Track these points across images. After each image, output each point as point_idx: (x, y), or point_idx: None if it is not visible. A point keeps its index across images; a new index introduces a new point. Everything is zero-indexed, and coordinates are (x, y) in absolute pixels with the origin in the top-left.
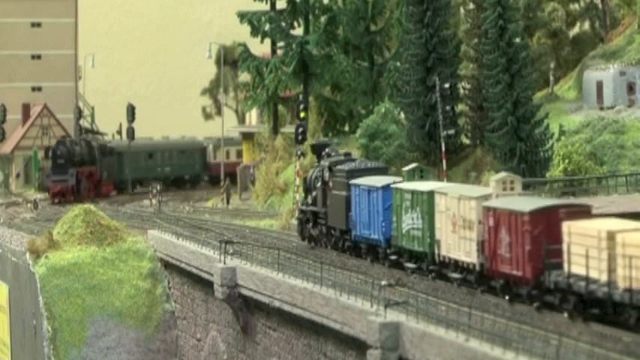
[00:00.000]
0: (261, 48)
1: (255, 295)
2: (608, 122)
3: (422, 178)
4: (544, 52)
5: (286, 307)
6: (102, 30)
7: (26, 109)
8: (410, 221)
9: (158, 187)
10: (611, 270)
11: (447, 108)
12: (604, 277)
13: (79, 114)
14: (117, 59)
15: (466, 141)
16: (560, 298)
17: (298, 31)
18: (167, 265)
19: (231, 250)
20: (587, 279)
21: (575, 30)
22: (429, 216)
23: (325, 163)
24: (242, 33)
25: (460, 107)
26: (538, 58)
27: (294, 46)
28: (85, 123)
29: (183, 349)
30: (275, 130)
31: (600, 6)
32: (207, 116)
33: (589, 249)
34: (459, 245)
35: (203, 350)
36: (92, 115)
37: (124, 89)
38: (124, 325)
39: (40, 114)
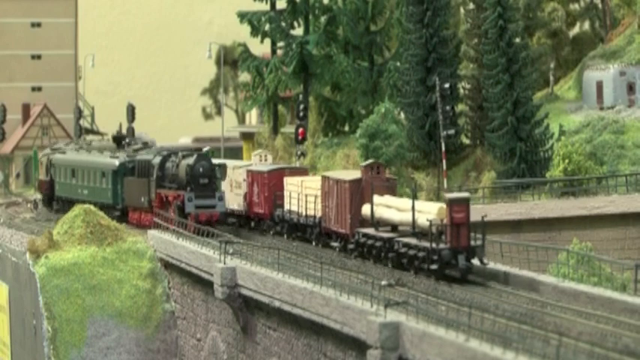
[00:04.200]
0: (261, 48)
1: (255, 295)
2: (608, 122)
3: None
4: (544, 52)
5: (286, 307)
6: (102, 30)
7: (26, 109)
8: None
9: None
10: (300, 205)
11: (447, 108)
12: (298, 210)
13: (79, 114)
14: (117, 59)
15: (466, 141)
16: (282, 226)
17: (298, 31)
18: (167, 265)
19: (231, 250)
20: (290, 212)
21: (575, 30)
22: None
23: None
24: (242, 33)
25: (460, 107)
26: (538, 58)
27: (294, 46)
28: (85, 123)
29: (183, 349)
30: (275, 130)
31: (600, 6)
32: (207, 116)
33: (293, 192)
34: (235, 200)
35: (203, 350)
36: (92, 115)
37: (124, 89)
38: (124, 325)
39: (40, 114)
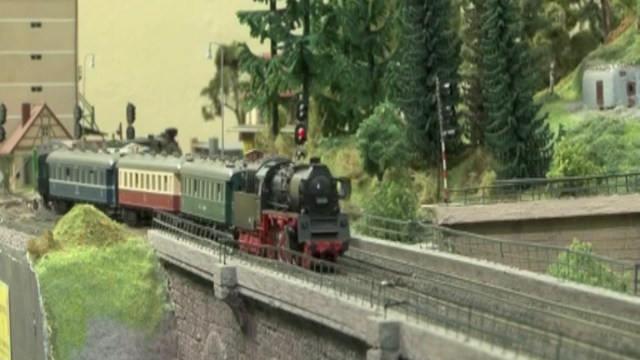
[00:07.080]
0: (261, 48)
1: (255, 295)
2: (608, 122)
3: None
4: (544, 52)
5: (286, 307)
6: (102, 30)
7: (26, 109)
8: None
9: None
10: None
11: (447, 108)
12: None
13: (79, 114)
14: (117, 59)
15: (466, 141)
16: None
17: (298, 31)
18: (167, 265)
19: (231, 250)
20: None
21: (575, 30)
22: None
23: None
24: (242, 33)
25: (460, 107)
26: (538, 58)
27: (294, 46)
28: (85, 123)
29: (183, 349)
30: (275, 130)
31: (600, 6)
32: (207, 116)
33: None
34: None
35: (203, 350)
36: (92, 115)
37: (124, 89)
38: (124, 325)
39: (40, 114)
